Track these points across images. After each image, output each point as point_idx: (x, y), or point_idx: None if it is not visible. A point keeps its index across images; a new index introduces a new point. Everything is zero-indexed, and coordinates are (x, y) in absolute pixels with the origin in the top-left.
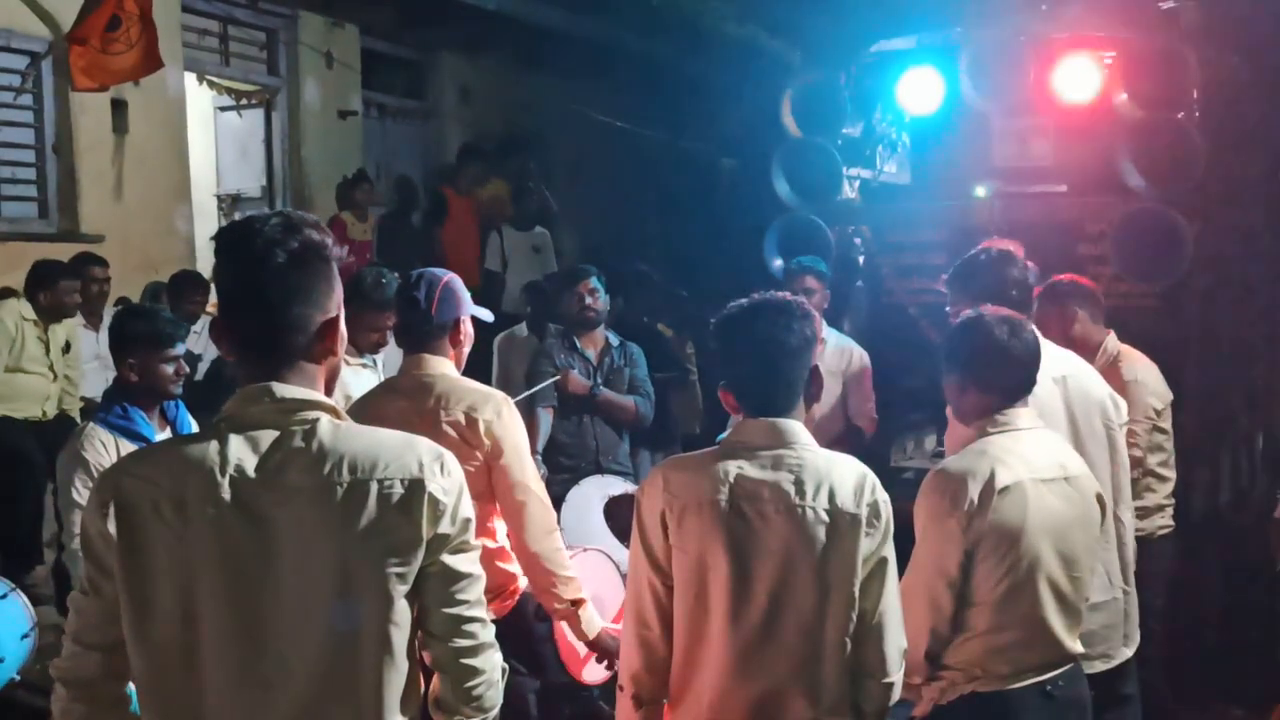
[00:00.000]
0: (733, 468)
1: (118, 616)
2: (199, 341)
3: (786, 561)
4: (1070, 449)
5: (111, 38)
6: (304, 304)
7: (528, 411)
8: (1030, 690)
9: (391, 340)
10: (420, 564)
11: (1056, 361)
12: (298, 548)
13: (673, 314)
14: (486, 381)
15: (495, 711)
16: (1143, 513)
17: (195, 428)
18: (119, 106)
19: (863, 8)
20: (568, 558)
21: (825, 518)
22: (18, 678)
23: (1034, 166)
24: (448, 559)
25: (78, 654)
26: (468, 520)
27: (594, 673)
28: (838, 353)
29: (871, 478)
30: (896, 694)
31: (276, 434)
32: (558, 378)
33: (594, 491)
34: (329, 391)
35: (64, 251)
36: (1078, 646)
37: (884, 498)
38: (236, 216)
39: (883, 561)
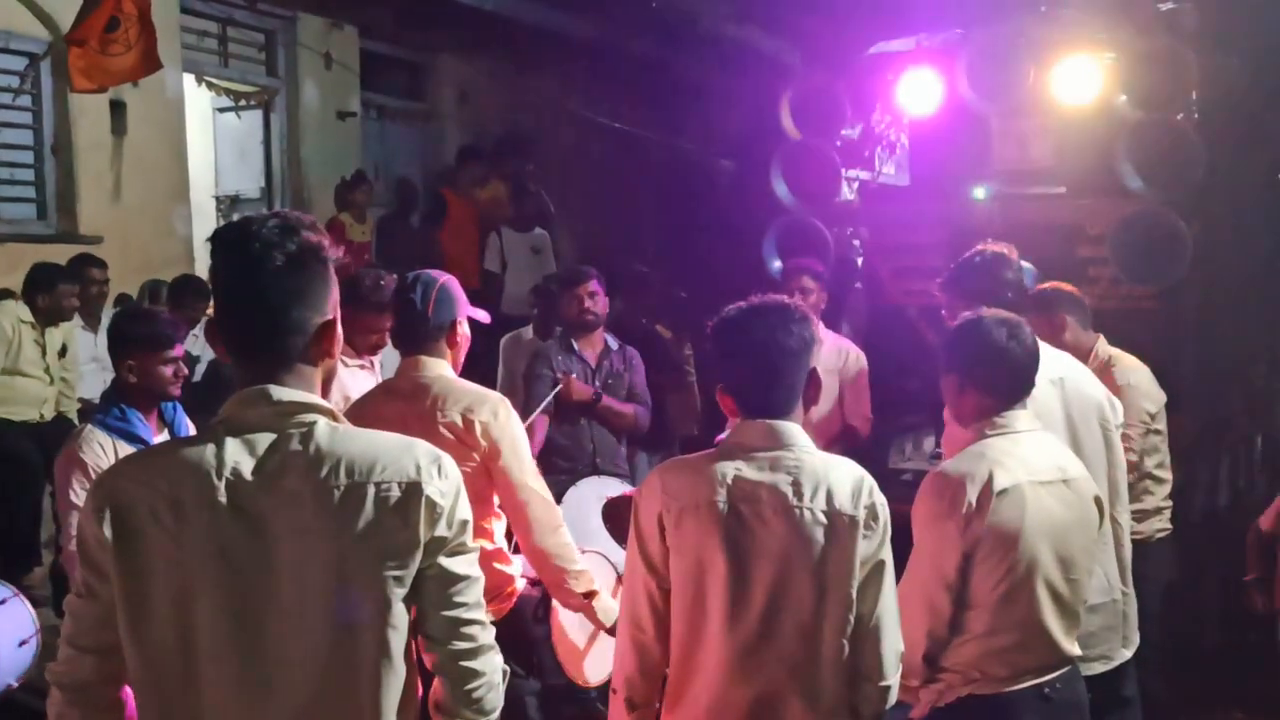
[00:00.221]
0: (730, 469)
1: (114, 620)
2: (197, 343)
3: (784, 563)
4: (1069, 451)
5: (110, 39)
6: (301, 306)
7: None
8: (1028, 693)
9: (390, 342)
10: (418, 567)
11: (1054, 363)
12: (295, 551)
13: (671, 315)
14: (492, 384)
15: (496, 714)
16: (1140, 515)
17: (192, 430)
18: (118, 108)
19: (862, 10)
20: (576, 551)
21: (823, 519)
22: (14, 684)
23: (1033, 168)
24: (445, 561)
25: (73, 657)
26: (465, 523)
27: (592, 675)
28: (835, 353)
29: (869, 480)
30: (893, 697)
31: (274, 437)
32: (560, 387)
33: (591, 493)
34: (325, 393)
35: (62, 253)
36: (1075, 649)
37: (881, 500)
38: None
39: (880, 564)
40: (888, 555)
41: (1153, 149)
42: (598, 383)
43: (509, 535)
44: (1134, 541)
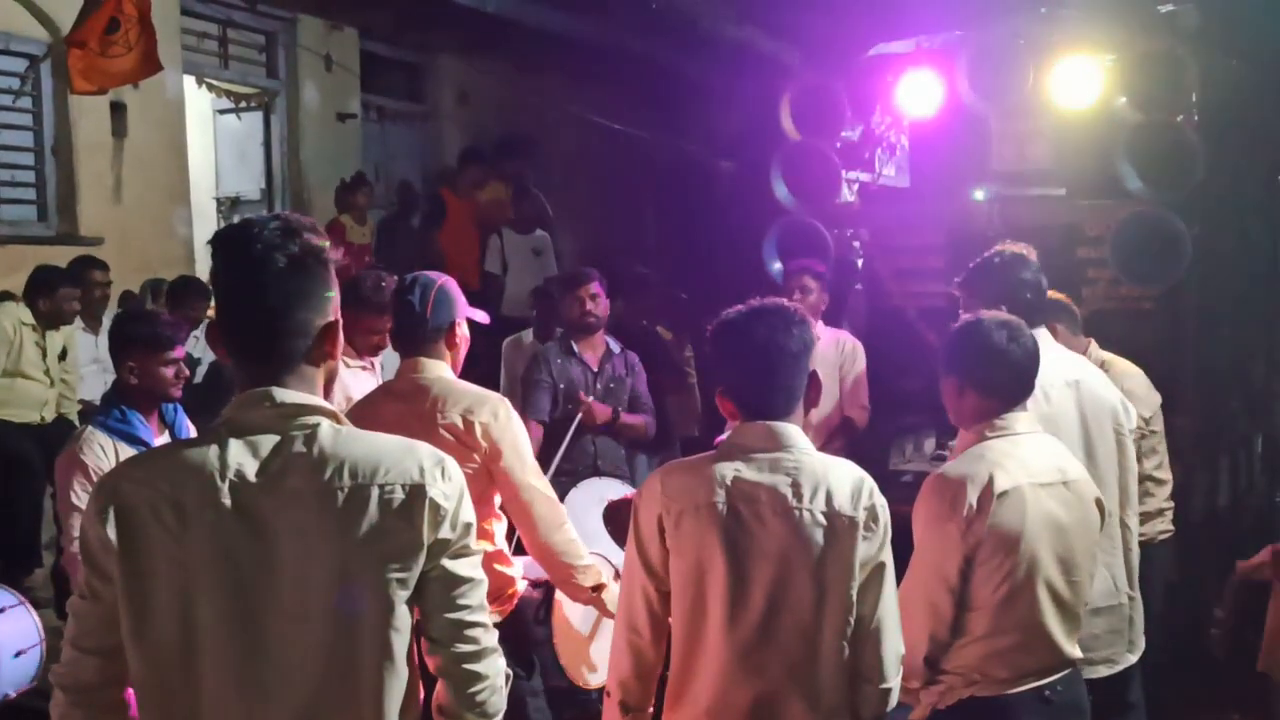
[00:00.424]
0: (729, 471)
1: (116, 621)
2: (198, 345)
3: (783, 564)
4: (1069, 453)
5: (110, 40)
6: (304, 308)
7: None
8: (1028, 695)
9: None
10: (421, 569)
11: (1069, 366)
12: (298, 553)
13: (671, 316)
14: (493, 386)
15: (499, 717)
16: (1143, 518)
17: (193, 432)
18: (118, 109)
19: (862, 11)
20: (582, 546)
21: (822, 520)
22: (12, 694)
23: (1033, 169)
24: (449, 564)
25: (76, 659)
26: (469, 525)
27: (593, 676)
28: (832, 346)
29: (869, 481)
30: (894, 699)
31: (277, 439)
32: (581, 415)
33: (591, 495)
34: (328, 395)
35: (63, 254)
36: (1076, 651)
37: (881, 502)
38: (235, 219)
39: (880, 566)
40: (888, 557)
41: (1153, 150)
42: (599, 386)
43: (510, 537)
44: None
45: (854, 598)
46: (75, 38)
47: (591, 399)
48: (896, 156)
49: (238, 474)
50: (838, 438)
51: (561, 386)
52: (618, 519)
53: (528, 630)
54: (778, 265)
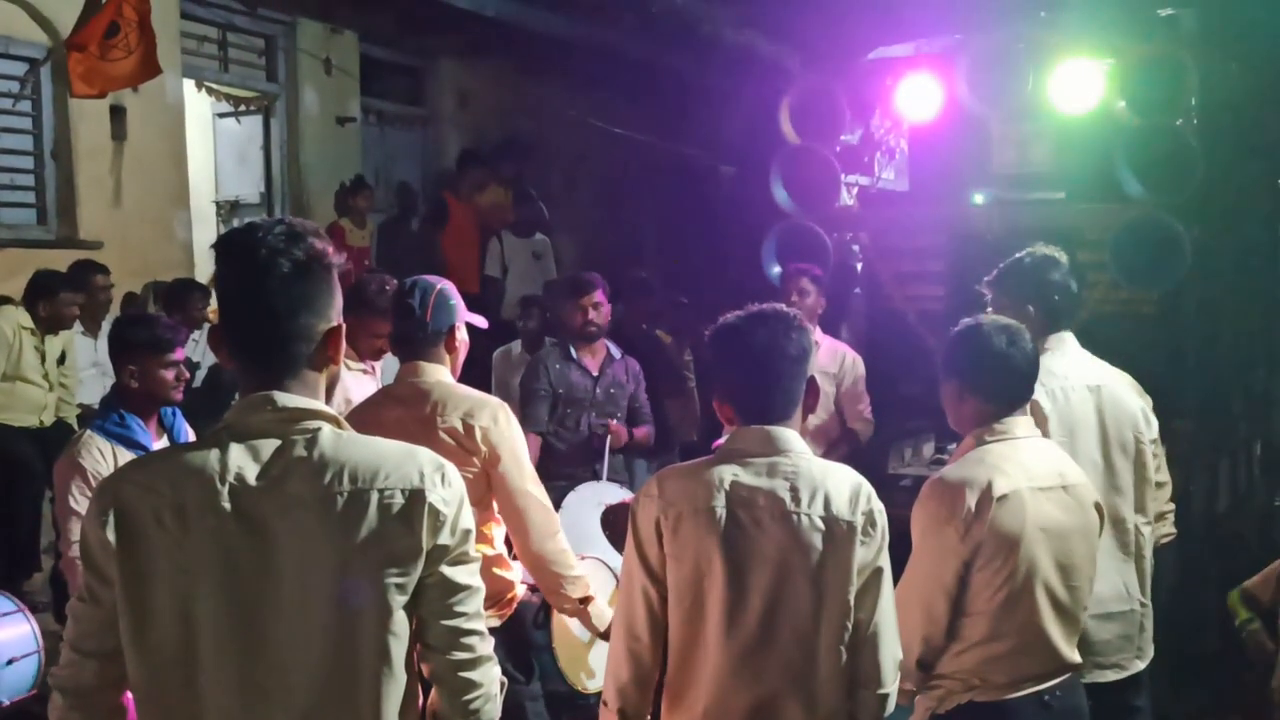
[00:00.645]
0: (728, 475)
1: (116, 625)
2: (197, 349)
3: (781, 569)
4: (1068, 458)
5: (110, 44)
6: (308, 313)
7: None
8: (1028, 700)
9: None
10: (419, 575)
11: (1091, 370)
12: (298, 557)
13: (671, 321)
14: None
15: None
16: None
17: (192, 436)
18: (118, 113)
19: (861, 14)
20: (573, 556)
21: (821, 525)
22: (5, 702)
23: (1032, 173)
24: (447, 570)
25: (75, 662)
26: (468, 531)
27: (591, 681)
28: (830, 356)
29: (867, 487)
30: (891, 705)
31: (278, 443)
32: (610, 439)
33: (590, 499)
34: (329, 399)
35: (62, 258)
36: (1075, 656)
37: (879, 507)
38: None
39: (878, 571)
40: (885, 562)
41: (1152, 154)
42: (598, 391)
43: (509, 541)
44: None
45: (852, 603)
46: (75, 41)
47: (615, 421)
48: (896, 160)
49: (238, 478)
50: (839, 447)
51: (561, 392)
52: (615, 523)
53: (527, 635)
54: (777, 269)
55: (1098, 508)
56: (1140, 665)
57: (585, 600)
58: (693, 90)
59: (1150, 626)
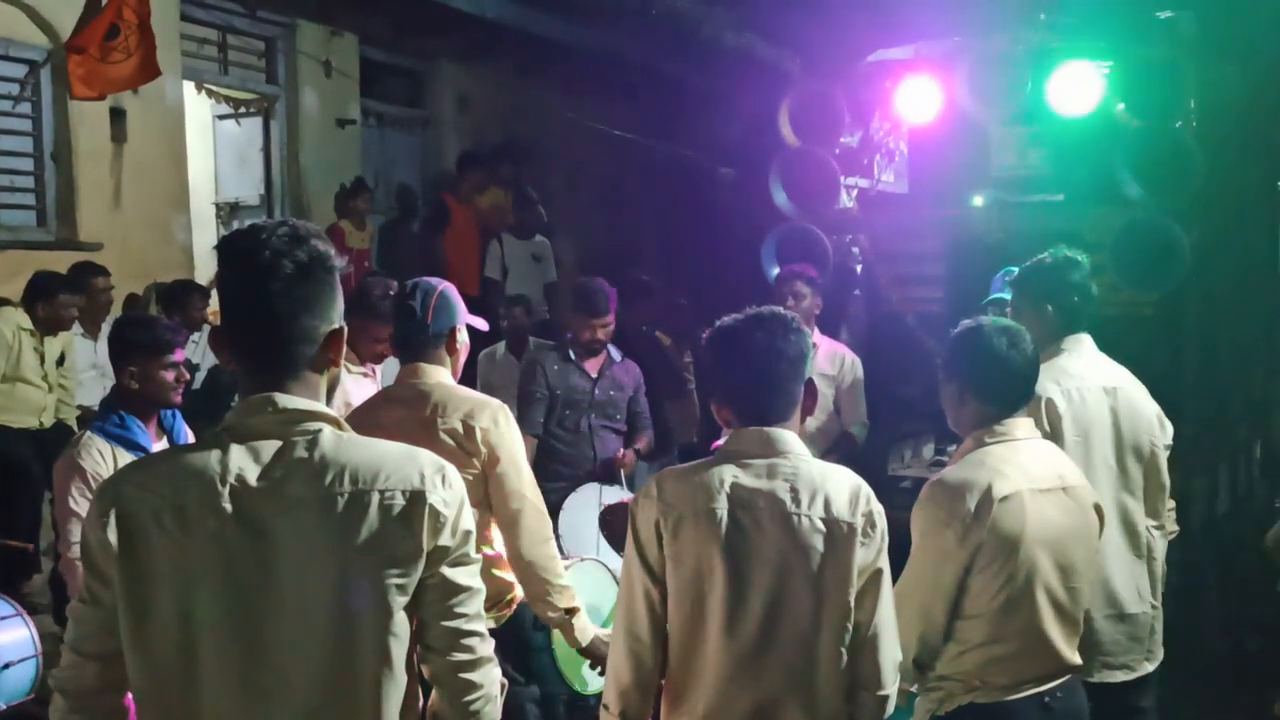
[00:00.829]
0: (728, 477)
1: (116, 626)
2: (196, 350)
3: (782, 570)
4: (1068, 459)
5: (110, 46)
6: (310, 315)
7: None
8: (1028, 701)
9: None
10: (420, 576)
11: (1107, 372)
12: (298, 558)
13: (671, 323)
14: None
15: None
16: None
17: (191, 438)
18: (117, 115)
19: (861, 18)
20: (563, 566)
21: (821, 527)
22: (3, 706)
23: (1032, 176)
24: (447, 571)
25: (76, 664)
26: (468, 533)
27: (592, 682)
28: (829, 358)
29: (866, 488)
30: (891, 707)
31: (279, 444)
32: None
33: (590, 500)
34: (329, 401)
35: (62, 260)
36: (1076, 658)
37: (879, 508)
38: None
39: (878, 573)
40: (885, 564)
41: (1151, 157)
42: (597, 393)
43: None
44: None
45: (852, 604)
46: (75, 44)
47: (625, 452)
48: (895, 163)
49: (239, 479)
50: (835, 452)
51: (559, 394)
52: (613, 524)
53: (527, 636)
54: (776, 271)
55: (1097, 509)
56: (1149, 667)
57: (571, 611)
58: (692, 93)
59: (1160, 629)
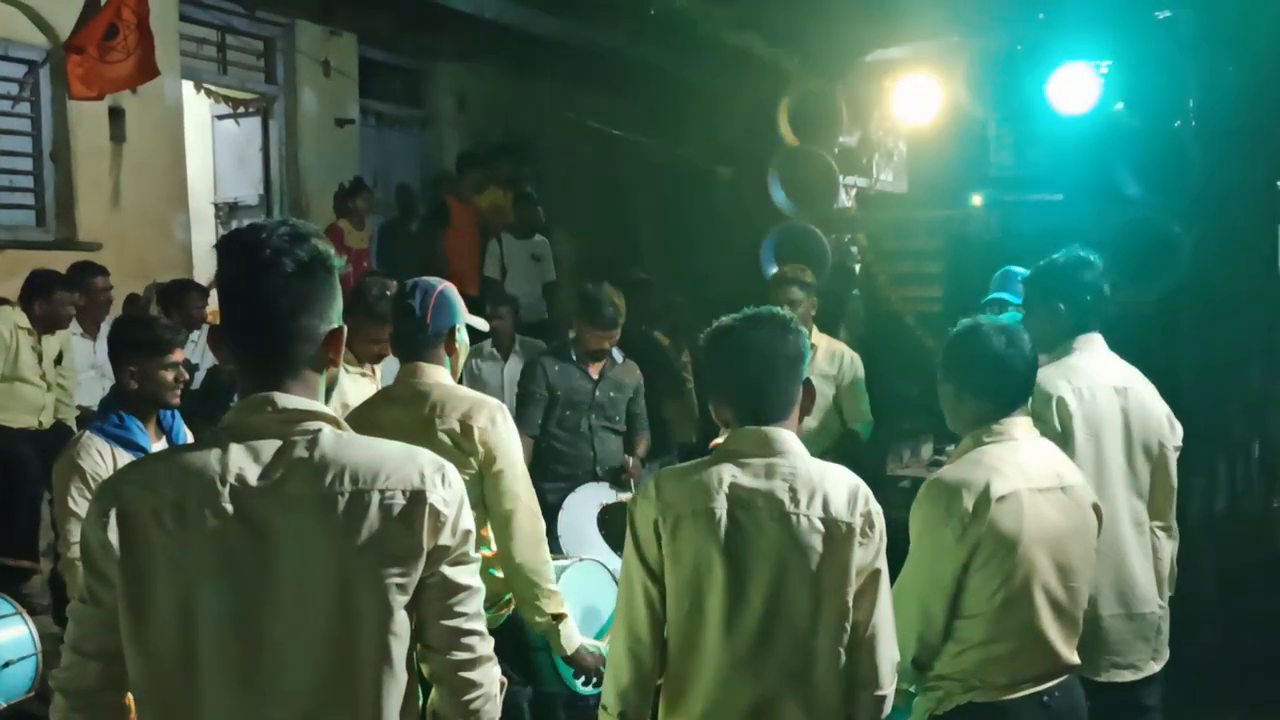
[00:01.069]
0: (726, 476)
1: (117, 626)
2: (195, 350)
3: (780, 569)
4: (1066, 459)
5: (109, 46)
6: (310, 314)
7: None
8: (1027, 701)
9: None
10: (420, 575)
11: (1117, 372)
12: (298, 558)
13: (669, 322)
14: None
15: None
16: None
17: (190, 438)
18: (116, 115)
19: (860, 17)
20: (553, 570)
21: (820, 526)
22: (3, 704)
23: (1030, 175)
24: (447, 570)
25: (77, 663)
26: (468, 532)
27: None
28: (829, 357)
29: (864, 488)
30: (889, 707)
31: (278, 443)
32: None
33: (589, 499)
34: (327, 400)
35: (61, 259)
36: (1074, 657)
37: (877, 509)
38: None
39: (876, 573)
40: (883, 564)
41: (1150, 156)
42: (598, 394)
43: None
44: None
45: (850, 604)
46: (74, 43)
47: (633, 463)
48: (894, 162)
49: (239, 478)
50: (838, 450)
51: (560, 394)
52: (612, 523)
53: (526, 636)
54: (775, 270)
55: (1095, 509)
56: (1156, 667)
57: (558, 617)
58: (691, 91)
59: (1166, 629)
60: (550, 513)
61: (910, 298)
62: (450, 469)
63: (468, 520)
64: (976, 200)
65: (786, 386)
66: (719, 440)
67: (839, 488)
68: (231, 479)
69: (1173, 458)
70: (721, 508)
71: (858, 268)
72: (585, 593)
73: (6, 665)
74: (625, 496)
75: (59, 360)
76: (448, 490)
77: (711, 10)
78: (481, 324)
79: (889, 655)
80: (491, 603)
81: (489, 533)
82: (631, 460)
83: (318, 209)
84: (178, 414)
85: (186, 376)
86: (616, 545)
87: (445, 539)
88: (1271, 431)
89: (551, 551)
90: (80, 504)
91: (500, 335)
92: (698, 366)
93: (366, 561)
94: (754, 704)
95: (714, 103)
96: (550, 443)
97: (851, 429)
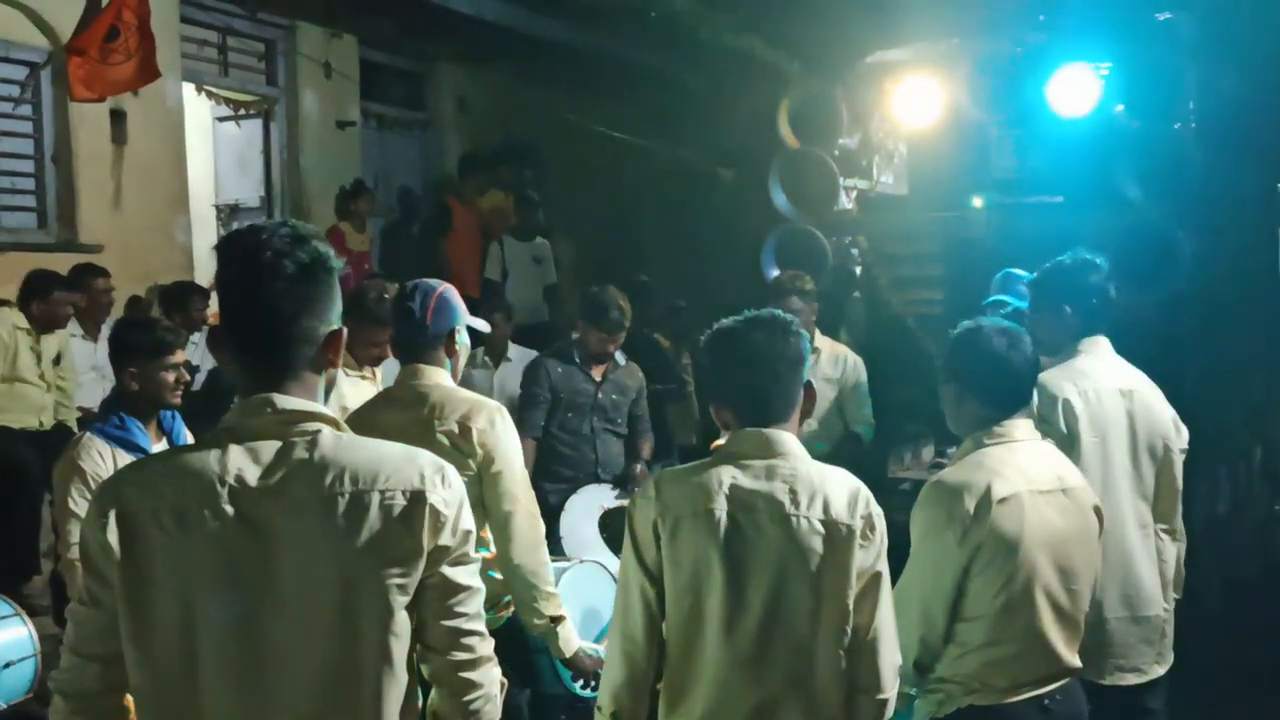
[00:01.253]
0: (726, 478)
1: (117, 627)
2: (196, 352)
3: (780, 572)
4: (1067, 461)
5: (110, 48)
6: (310, 315)
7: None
8: (1028, 704)
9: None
10: (420, 576)
11: (1123, 375)
12: (299, 558)
13: (671, 325)
14: None
15: None
16: None
17: (190, 439)
18: (118, 117)
19: (860, 19)
20: (552, 573)
21: (820, 529)
22: (2, 705)
23: (1031, 177)
24: (447, 571)
25: (77, 665)
26: (468, 532)
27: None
28: (831, 360)
29: (865, 491)
30: (890, 711)
31: (278, 445)
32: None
33: (591, 501)
34: (325, 402)
35: (63, 261)
36: (1076, 661)
37: (878, 511)
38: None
39: (877, 576)
40: (884, 567)
41: (1151, 159)
42: (600, 396)
43: None
44: None
45: (851, 607)
46: (75, 45)
47: (640, 469)
48: (895, 164)
49: (238, 480)
50: (840, 453)
51: (563, 396)
52: (613, 527)
53: (524, 637)
54: (776, 273)
55: (1097, 511)
56: (1160, 670)
57: (556, 620)
58: (692, 94)
59: (1171, 632)
60: (551, 514)
61: (911, 300)
62: (450, 470)
63: (468, 521)
64: (977, 202)
65: (787, 388)
66: (720, 442)
67: (839, 490)
68: (231, 480)
69: (1178, 460)
70: (721, 509)
71: (858, 270)
72: (586, 595)
73: (6, 666)
74: (627, 500)
75: (58, 361)
76: (448, 491)
77: (712, 13)
78: (483, 325)
79: (890, 658)
80: (491, 605)
81: (488, 534)
82: (639, 467)
83: (319, 211)
84: (178, 415)
85: (187, 378)
86: (618, 548)
87: (445, 539)
88: (1274, 437)
89: (552, 553)
90: (80, 505)
91: (494, 341)
92: (698, 369)
93: (367, 562)
94: (754, 707)
95: (715, 105)
96: (552, 444)
97: (853, 431)
